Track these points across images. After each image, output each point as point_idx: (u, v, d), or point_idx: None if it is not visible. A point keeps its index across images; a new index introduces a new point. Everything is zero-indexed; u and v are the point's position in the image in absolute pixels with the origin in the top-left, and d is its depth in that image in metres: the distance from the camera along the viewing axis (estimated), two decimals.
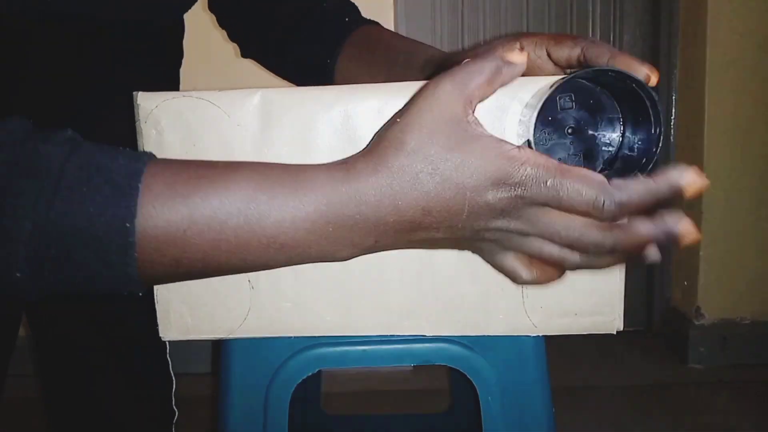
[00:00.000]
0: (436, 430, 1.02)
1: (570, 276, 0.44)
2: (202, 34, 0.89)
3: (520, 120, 0.42)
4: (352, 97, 0.42)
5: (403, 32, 1.60)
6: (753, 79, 1.48)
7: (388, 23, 1.49)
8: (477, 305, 0.45)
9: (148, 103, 0.43)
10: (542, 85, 0.41)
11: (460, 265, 0.44)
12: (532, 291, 0.45)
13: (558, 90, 0.39)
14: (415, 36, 1.62)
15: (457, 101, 0.35)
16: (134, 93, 0.43)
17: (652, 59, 1.67)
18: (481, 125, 0.36)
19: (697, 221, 1.53)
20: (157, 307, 0.45)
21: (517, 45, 0.46)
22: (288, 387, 0.48)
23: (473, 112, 0.36)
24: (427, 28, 1.65)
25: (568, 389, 1.45)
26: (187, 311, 0.45)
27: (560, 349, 1.44)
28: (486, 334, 0.45)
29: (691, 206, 1.55)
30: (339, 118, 0.42)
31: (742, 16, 1.46)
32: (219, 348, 0.50)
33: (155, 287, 0.45)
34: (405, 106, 0.37)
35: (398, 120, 0.36)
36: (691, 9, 1.56)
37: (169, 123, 0.43)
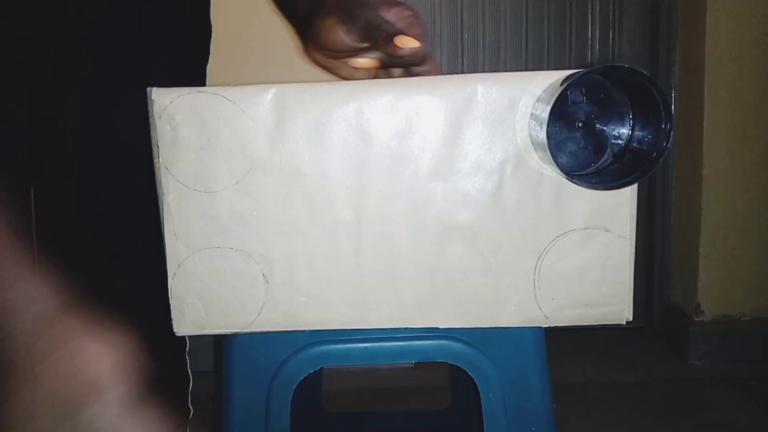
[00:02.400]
0: (438, 426, 1.02)
1: (580, 268, 0.45)
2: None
3: (532, 113, 0.42)
4: (366, 92, 0.43)
5: None
6: (753, 77, 1.48)
7: None
8: (489, 298, 0.45)
9: (163, 99, 0.43)
10: (553, 79, 0.42)
11: (472, 258, 0.45)
12: (543, 283, 0.45)
13: (571, 85, 0.40)
14: None
15: None
16: (148, 89, 0.43)
17: (651, 57, 1.68)
18: None
19: (697, 218, 1.54)
20: (171, 302, 0.45)
21: None
22: (290, 385, 0.48)
23: None
24: (425, 28, 1.65)
25: (568, 385, 1.46)
26: (202, 306, 0.45)
27: (560, 346, 1.45)
28: (498, 326, 0.46)
29: (691, 203, 1.56)
30: (353, 113, 0.43)
31: (742, 14, 1.47)
32: (221, 346, 0.50)
33: (170, 283, 0.45)
34: None
35: None
36: (690, 7, 1.57)
37: (184, 119, 0.43)
